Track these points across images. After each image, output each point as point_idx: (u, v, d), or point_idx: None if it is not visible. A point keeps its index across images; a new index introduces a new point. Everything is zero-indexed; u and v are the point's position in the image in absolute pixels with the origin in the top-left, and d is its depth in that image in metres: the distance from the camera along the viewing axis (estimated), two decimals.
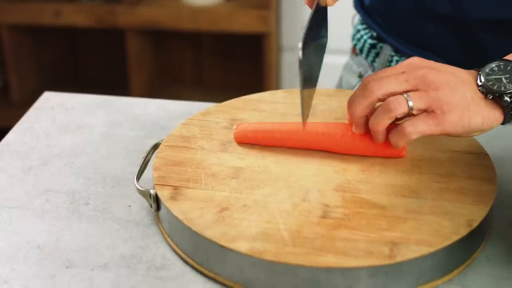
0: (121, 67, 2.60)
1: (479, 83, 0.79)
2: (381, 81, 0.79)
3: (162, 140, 0.89)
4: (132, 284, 0.73)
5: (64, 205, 0.85)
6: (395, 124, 0.80)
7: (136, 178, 0.83)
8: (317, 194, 0.78)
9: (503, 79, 0.78)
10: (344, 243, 0.71)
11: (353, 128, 0.83)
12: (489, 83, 0.78)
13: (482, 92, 0.78)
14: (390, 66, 1.12)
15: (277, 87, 2.48)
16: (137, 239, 0.79)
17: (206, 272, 0.74)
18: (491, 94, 0.78)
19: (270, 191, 0.79)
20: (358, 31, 1.18)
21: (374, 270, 0.69)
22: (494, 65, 0.80)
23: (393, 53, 1.11)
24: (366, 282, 0.70)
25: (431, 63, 0.80)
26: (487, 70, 0.79)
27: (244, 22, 2.35)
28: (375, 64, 1.14)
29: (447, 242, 0.71)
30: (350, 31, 1.22)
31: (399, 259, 0.70)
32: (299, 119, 0.92)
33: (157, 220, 0.81)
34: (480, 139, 0.90)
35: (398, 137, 0.79)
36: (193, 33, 2.52)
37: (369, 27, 1.15)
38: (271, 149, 0.86)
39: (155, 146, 0.89)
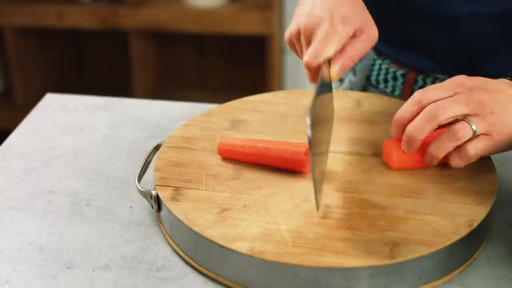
0: (125, 69, 2.60)
1: None
2: (444, 105, 0.79)
3: (163, 141, 0.90)
4: (133, 285, 0.73)
5: (65, 206, 0.85)
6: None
7: (138, 179, 0.83)
8: None
9: None
10: (344, 243, 0.71)
11: (405, 148, 0.81)
12: None
13: None
14: (372, 69, 1.11)
15: (280, 88, 2.48)
16: (138, 240, 0.80)
17: (207, 272, 0.74)
18: None
19: (270, 192, 0.79)
20: None
21: (374, 270, 0.69)
22: None
23: (375, 57, 1.10)
24: (367, 282, 0.70)
25: (478, 81, 0.81)
26: None
27: (247, 24, 2.36)
28: (356, 68, 1.13)
29: (447, 242, 0.71)
30: None
31: (399, 259, 0.70)
32: (299, 120, 0.93)
33: (158, 221, 0.82)
34: None
35: (460, 159, 0.80)
36: (196, 35, 2.52)
37: None
38: None
39: (157, 147, 0.89)
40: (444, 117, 0.78)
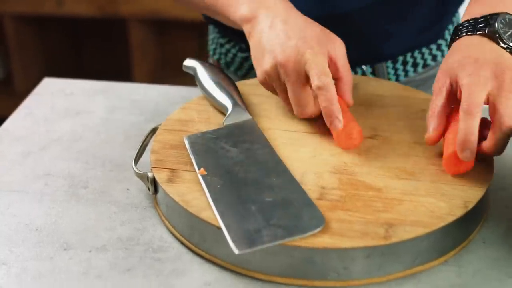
0: (124, 56, 2.60)
1: (505, 47, 0.80)
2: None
3: (160, 124, 0.90)
4: (130, 266, 0.73)
5: (63, 189, 0.85)
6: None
7: (134, 162, 0.83)
8: (313, 177, 0.79)
9: None
10: (340, 224, 0.72)
11: (462, 153, 0.76)
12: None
13: None
14: None
15: None
16: (135, 222, 0.80)
17: (203, 253, 0.74)
18: None
19: None
20: (221, 45, 1.13)
21: (370, 251, 0.69)
22: (498, 23, 0.80)
23: None
24: (362, 263, 0.70)
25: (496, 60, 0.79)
26: (502, 33, 0.80)
27: None
28: (249, 76, 1.11)
29: (442, 224, 0.72)
30: None
31: (394, 240, 0.70)
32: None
33: (155, 203, 0.82)
34: None
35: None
36: (195, 22, 2.52)
37: (234, 38, 1.11)
38: (268, 132, 0.87)
39: (154, 130, 0.89)
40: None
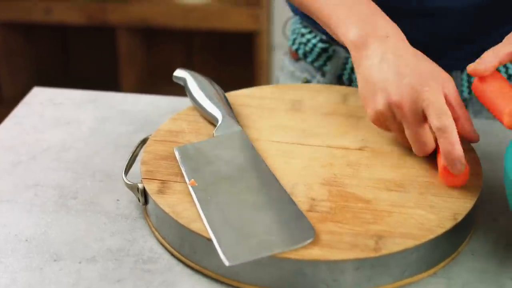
0: (112, 65, 2.60)
1: None
2: None
3: (150, 135, 0.90)
4: (120, 277, 0.73)
5: (52, 199, 0.85)
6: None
7: (124, 172, 0.83)
8: (303, 188, 0.79)
9: None
10: (329, 236, 0.72)
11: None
12: None
13: None
14: (345, 68, 1.10)
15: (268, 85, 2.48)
16: (125, 233, 0.80)
17: (193, 265, 0.74)
18: None
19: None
20: (302, 35, 1.14)
21: (359, 263, 0.70)
22: None
23: (348, 55, 1.09)
24: (352, 275, 0.70)
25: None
26: None
27: (235, 20, 2.36)
28: (325, 68, 1.11)
29: (431, 236, 0.72)
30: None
31: (384, 252, 0.70)
32: (287, 114, 0.93)
33: (145, 214, 0.82)
34: None
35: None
36: (184, 30, 2.52)
37: (316, 30, 1.12)
38: (258, 144, 0.87)
39: (144, 141, 0.89)
40: None
